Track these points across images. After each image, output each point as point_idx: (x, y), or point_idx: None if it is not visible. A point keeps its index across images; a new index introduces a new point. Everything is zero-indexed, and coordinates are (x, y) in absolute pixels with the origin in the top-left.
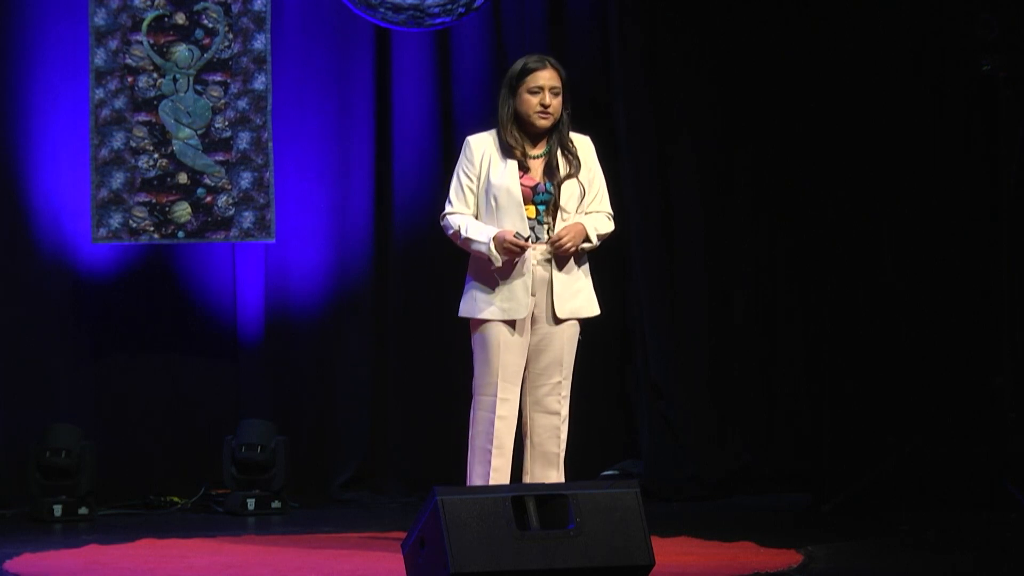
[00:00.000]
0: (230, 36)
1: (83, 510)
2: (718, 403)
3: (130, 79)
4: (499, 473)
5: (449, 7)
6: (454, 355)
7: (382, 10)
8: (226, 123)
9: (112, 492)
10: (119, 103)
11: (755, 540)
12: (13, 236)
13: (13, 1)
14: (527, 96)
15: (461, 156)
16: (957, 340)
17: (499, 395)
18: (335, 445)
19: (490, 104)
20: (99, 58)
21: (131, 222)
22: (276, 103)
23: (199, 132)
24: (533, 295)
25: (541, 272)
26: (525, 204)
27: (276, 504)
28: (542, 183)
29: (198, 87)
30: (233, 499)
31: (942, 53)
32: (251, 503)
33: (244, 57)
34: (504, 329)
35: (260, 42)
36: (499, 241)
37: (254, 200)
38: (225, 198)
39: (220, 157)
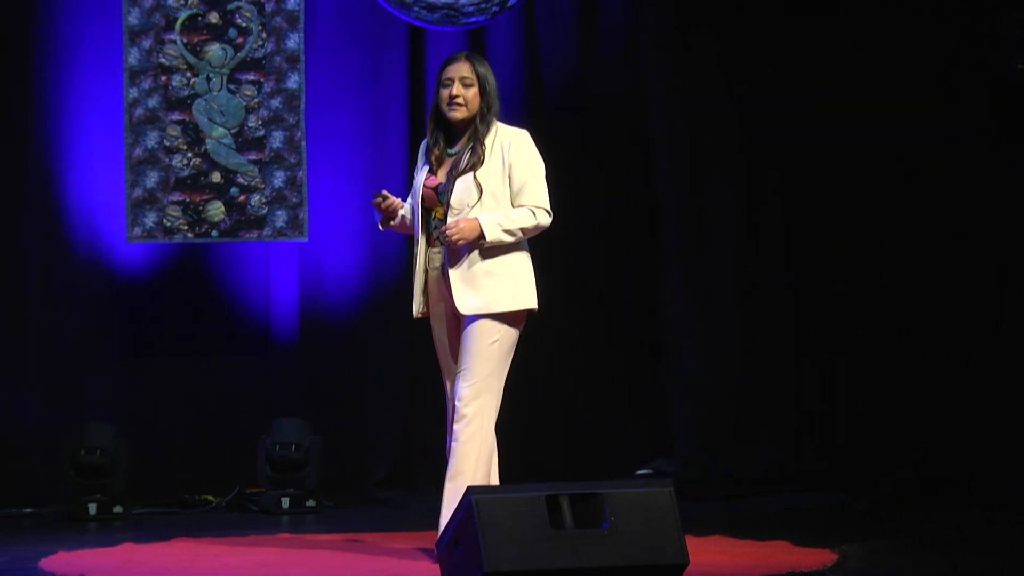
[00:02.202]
0: (263, 35)
1: (118, 509)
2: (751, 403)
3: (164, 78)
4: None
5: (483, 6)
6: None
7: (416, 9)
8: (259, 122)
9: (146, 491)
10: (153, 102)
11: (789, 539)
12: (49, 235)
13: (47, 1)
14: (441, 90)
15: None
16: (993, 341)
17: (446, 391)
18: (369, 444)
19: (524, 102)
20: (133, 57)
21: (165, 221)
22: (309, 102)
23: (232, 131)
24: (444, 298)
25: (438, 271)
26: (434, 205)
27: (310, 503)
28: (444, 183)
29: (231, 86)
30: (267, 498)
31: (974, 55)
32: (285, 502)
33: (277, 56)
34: (434, 328)
35: (293, 41)
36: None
37: (287, 199)
38: (258, 197)
39: (253, 156)
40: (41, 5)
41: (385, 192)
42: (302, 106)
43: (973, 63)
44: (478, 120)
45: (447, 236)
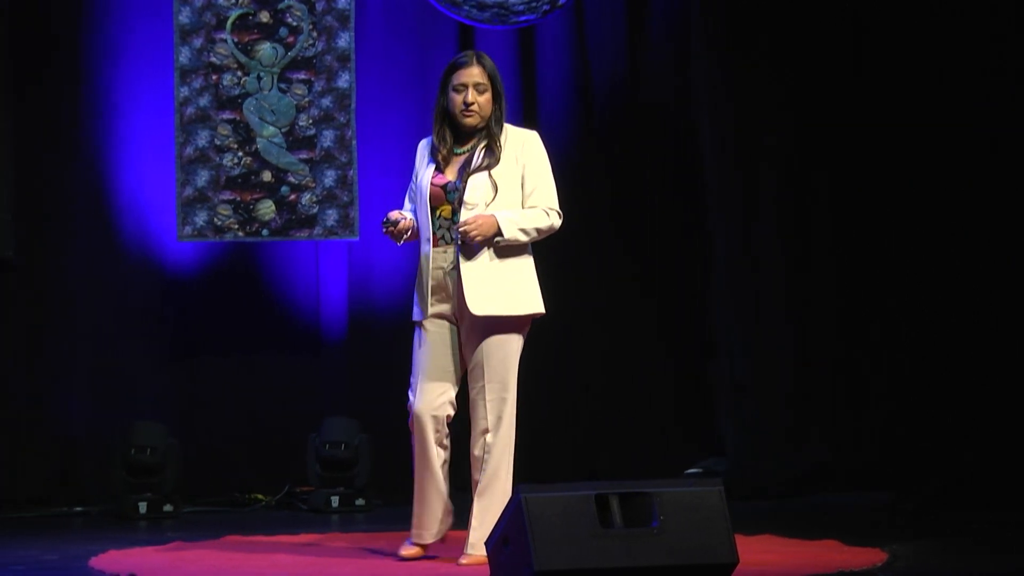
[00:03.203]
0: (314, 34)
1: (168, 507)
2: (800, 402)
3: (215, 77)
4: (422, 472)
5: (534, 4)
6: (533, 353)
7: (467, 7)
8: (310, 121)
9: (197, 489)
10: (204, 101)
11: (838, 538)
12: (99, 234)
13: (98, 1)
14: (452, 95)
15: None
16: None
17: (416, 396)
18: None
19: (573, 101)
20: (184, 56)
21: (216, 220)
22: (359, 101)
23: (283, 130)
24: (451, 298)
25: (454, 272)
26: (441, 204)
27: (360, 501)
28: (453, 181)
29: (282, 85)
30: (317, 497)
31: None
32: (335, 500)
33: (328, 55)
34: (426, 330)
35: (344, 40)
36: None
37: (338, 198)
38: (309, 196)
39: (304, 155)
40: (92, 5)
41: (391, 217)
42: (353, 105)
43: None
44: (492, 123)
45: (465, 232)
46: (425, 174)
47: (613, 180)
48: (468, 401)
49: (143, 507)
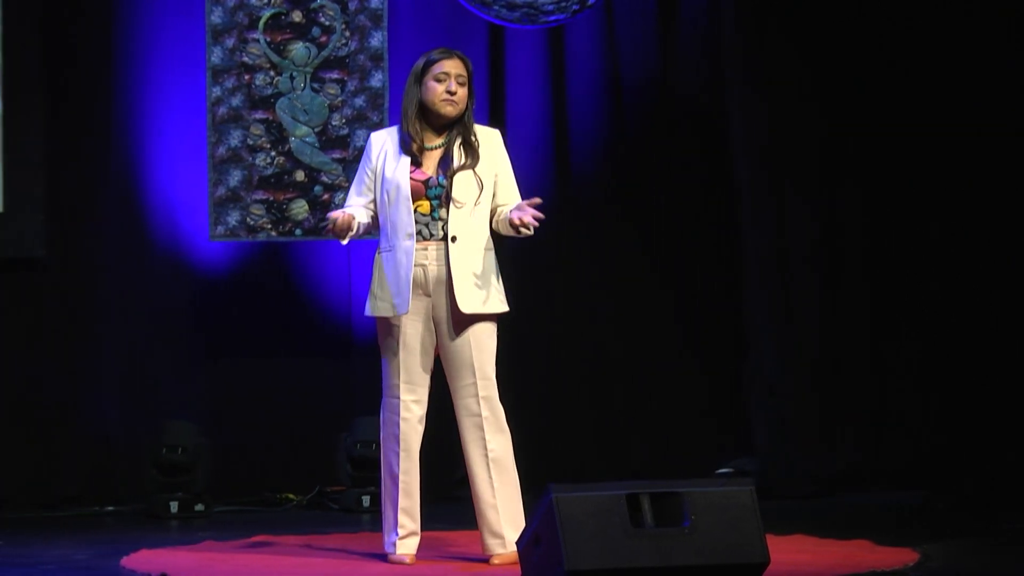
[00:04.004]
0: (347, 34)
1: (199, 507)
2: (831, 401)
3: (247, 77)
4: (408, 476)
5: (563, 4)
6: (565, 353)
7: (496, 7)
8: (343, 120)
9: (228, 489)
10: (236, 101)
11: (870, 538)
12: (131, 234)
13: (130, 0)
14: (432, 83)
15: (363, 153)
16: None
17: (401, 396)
18: (448, 443)
19: (603, 102)
20: (216, 56)
21: (248, 220)
22: (392, 100)
23: (316, 130)
24: (428, 295)
25: (437, 270)
26: (419, 199)
27: None
28: (435, 176)
29: (315, 85)
30: (348, 496)
31: None
32: (366, 500)
33: (361, 55)
34: (400, 328)
35: (377, 39)
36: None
37: None
38: (342, 195)
39: (337, 155)
40: (124, 4)
41: (330, 218)
42: (386, 104)
43: None
44: (466, 118)
45: (524, 220)
46: (398, 168)
47: (644, 179)
48: (452, 396)
49: (174, 506)
